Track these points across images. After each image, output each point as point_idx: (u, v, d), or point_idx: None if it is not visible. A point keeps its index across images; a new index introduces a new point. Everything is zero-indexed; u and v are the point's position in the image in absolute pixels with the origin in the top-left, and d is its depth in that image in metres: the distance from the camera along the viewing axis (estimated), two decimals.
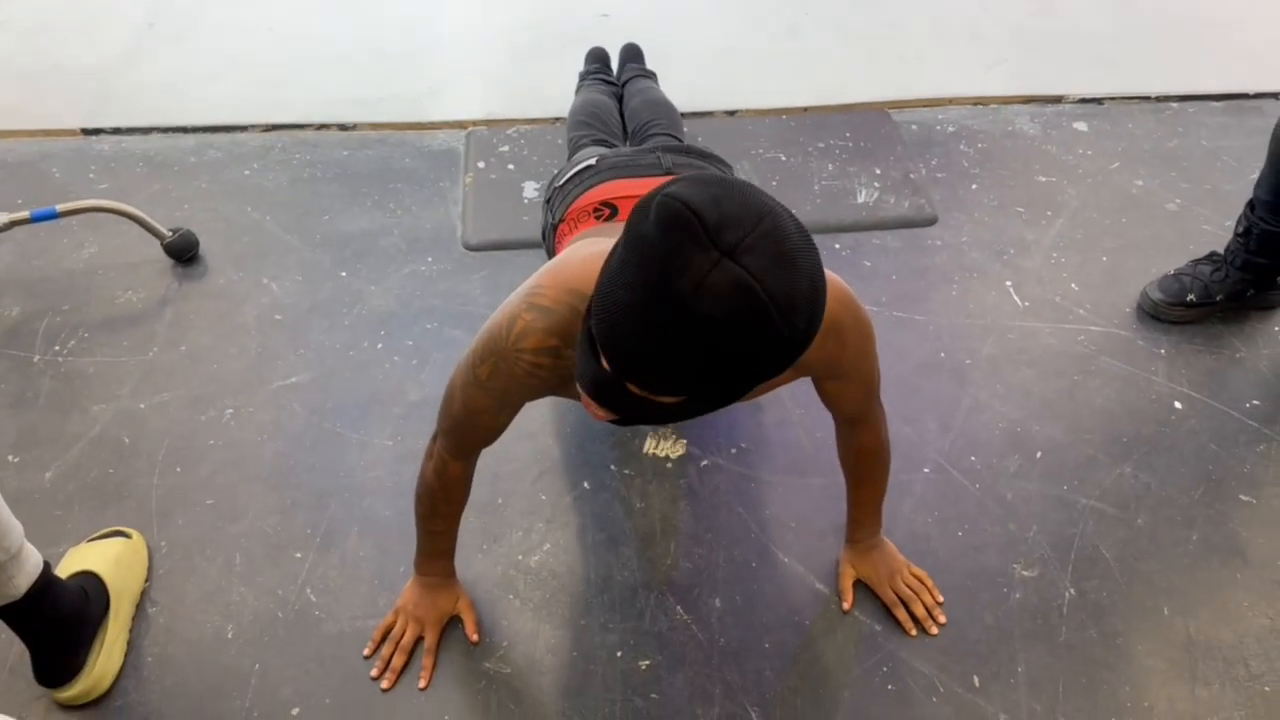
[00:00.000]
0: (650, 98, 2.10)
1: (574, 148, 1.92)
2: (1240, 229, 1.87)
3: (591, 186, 1.46)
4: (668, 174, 1.46)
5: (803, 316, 0.80)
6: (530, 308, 1.09)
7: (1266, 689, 1.40)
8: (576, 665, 1.42)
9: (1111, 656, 1.44)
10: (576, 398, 1.22)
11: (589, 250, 1.12)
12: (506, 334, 1.10)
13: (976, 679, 1.41)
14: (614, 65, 2.39)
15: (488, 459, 1.34)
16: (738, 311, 0.77)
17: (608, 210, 1.41)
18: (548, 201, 1.58)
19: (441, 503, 1.35)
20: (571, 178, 1.52)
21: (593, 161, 1.51)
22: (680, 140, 1.95)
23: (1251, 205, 1.84)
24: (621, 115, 2.12)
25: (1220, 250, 1.93)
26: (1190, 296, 1.89)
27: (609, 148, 1.84)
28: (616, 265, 0.82)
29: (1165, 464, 1.68)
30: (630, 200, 1.41)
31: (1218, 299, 1.89)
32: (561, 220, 1.48)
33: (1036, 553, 1.56)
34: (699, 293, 0.77)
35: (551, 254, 1.53)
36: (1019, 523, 1.60)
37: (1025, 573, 1.53)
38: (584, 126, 1.95)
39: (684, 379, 0.82)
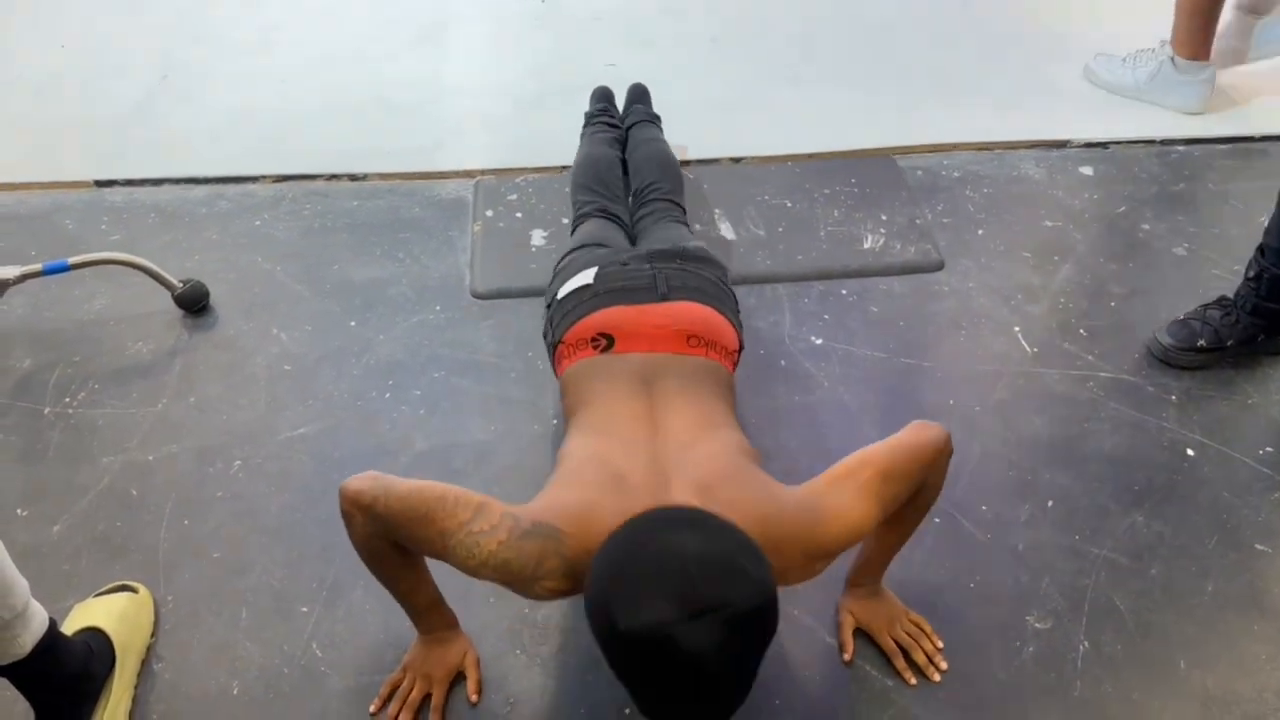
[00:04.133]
0: (653, 151, 2.12)
1: (576, 213, 1.94)
2: (1251, 274, 1.87)
3: (588, 313, 1.49)
4: (663, 299, 1.49)
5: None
6: (558, 555, 1.16)
7: None
8: None
9: (1127, 713, 1.41)
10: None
11: (607, 509, 1.15)
12: (534, 569, 1.16)
13: None
14: (620, 104, 2.41)
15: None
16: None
17: (604, 341, 1.46)
18: (548, 307, 1.61)
19: (386, 564, 1.30)
20: (569, 296, 1.54)
21: (590, 281, 1.53)
22: (680, 205, 1.97)
23: (1262, 250, 1.84)
24: (624, 163, 2.13)
25: (1230, 295, 1.92)
26: (1201, 342, 1.88)
27: (609, 218, 1.86)
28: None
29: (1178, 513, 1.67)
30: (626, 333, 1.45)
31: (1229, 344, 1.88)
32: (560, 341, 1.51)
33: (1049, 604, 1.54)
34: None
35: (554, 369, 1.56)
36: (1031, 573, 1.58)
37: (1038, 625, 1.51)
38: (586, 191, 1.97)
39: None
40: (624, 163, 2.15)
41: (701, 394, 1.39)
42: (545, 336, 1.61)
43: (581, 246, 1.71)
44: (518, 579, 1.17)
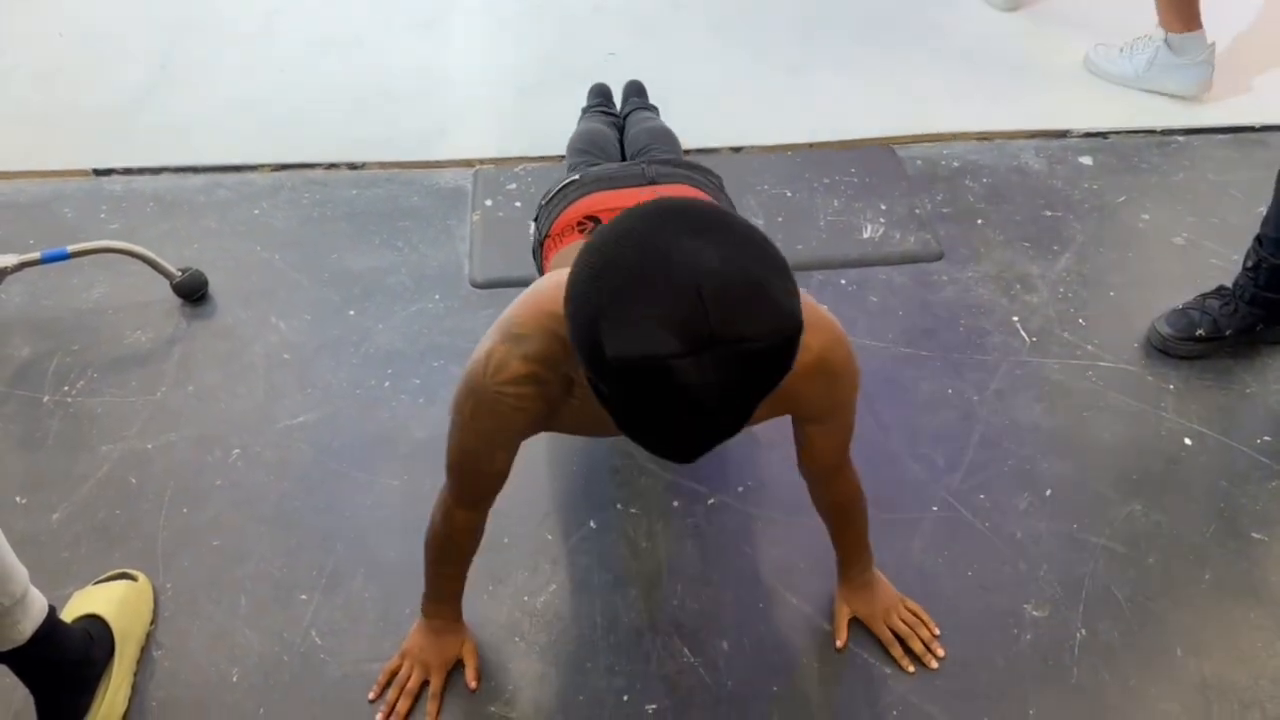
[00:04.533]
0: (650, 126, 2.11)
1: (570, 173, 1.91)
2: (1249, 264, 1.87)
3: (575, 200, 1.44)
4: (651, 184, 1.44)
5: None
6: (505, 338, 1.08)
7: None
8: (582, 710, 1.41)
9: (1124, 700, 1.42)
10: (568, 430, 1.21)
11: (562, 276, 1.11)
12: (484, 369, 1.09)
13: None
14: (617, 101, 2.41)
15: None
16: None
17: (591, 224, 1.39)
18: (535, 219, 1.57)
19: (448, 551, 1.35)
20: (557, 193, 1.50)
21: (577, 176, 1.50)
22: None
23: (1260, 240, 1.84)
24: (621, 145, 2.12)
25: (1229, 284, 1.92)
26: (1199, 331, 1.88)
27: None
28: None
29: (1176, 501, 1.67)
30: (614, 212, 1.34)
31: (1227, 334, 1.88)
32: (547, 235, 1.47)
33: (1047, 592, 1.54)
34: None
35: (541, 271, 1.52)
36: (1029, 562, 1.58)
37: (1036, 613, 1.52)
38: (581, 154, 1.95)
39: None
40: (622, 145, 2.14)
41: None
42: (533, 252, 1.55)
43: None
44: (480, 393, 1.11)
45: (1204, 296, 1.93)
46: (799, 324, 0.83)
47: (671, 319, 0.78)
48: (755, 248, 0.83)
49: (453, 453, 1.22)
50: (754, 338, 0.80)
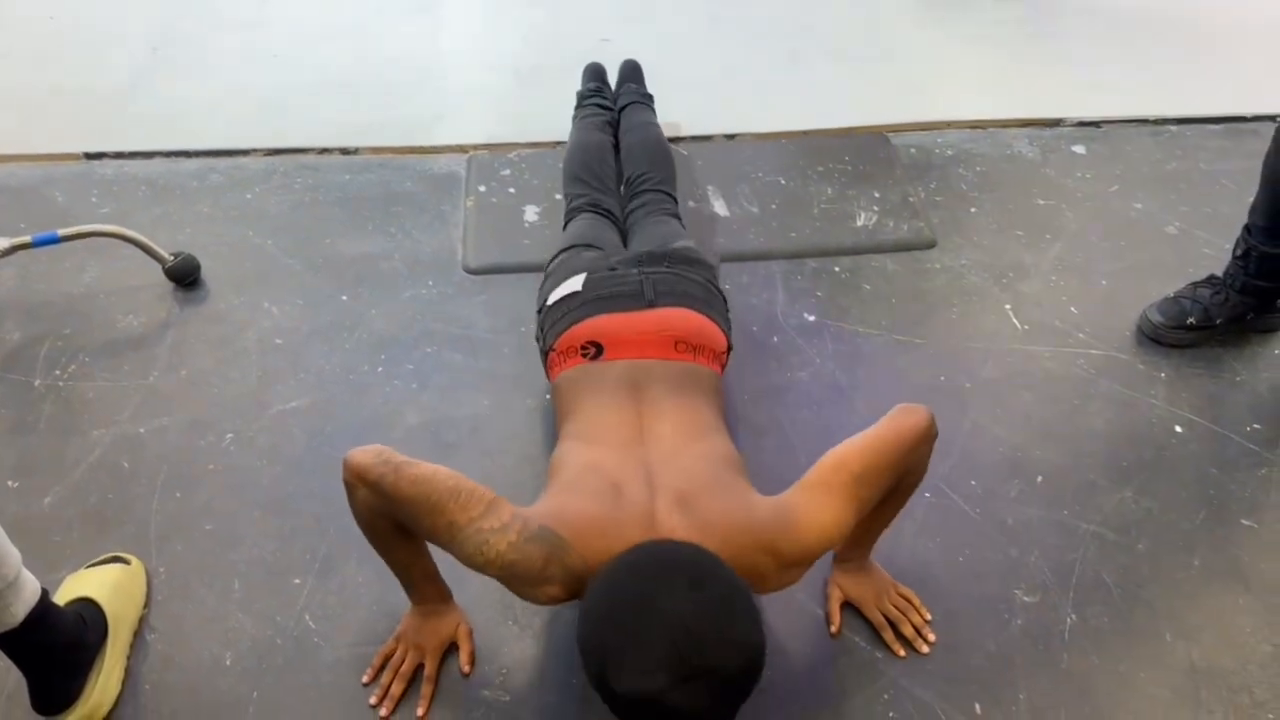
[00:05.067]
0: (646, 138, 2.10)
1: (568, 205, 1.93)
2: (1239, 252, 1.88)
3: (578, 321, 1.51)
4: (650, 306, 1.51)
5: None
6: (561, 563, 1.18)
7: (1270, 716, 1.40)
8: (576, 693, 1.41)
9: (1114, 684, 1.43)
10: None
11: (606, 522, 1.21)
12: (538, 571, 1.19)
13: (978, 706, 1.40)
14: (612, 81, 2.40)
15: (487, 484, 1.33)
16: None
17: (594, 349, 1.47)
18: (539, 313, 1.63)
19: (385, 538, 1.32)
20: (558, 303, 1.56)
21: (578, 288, 1.55)
22: (672, 195, 1.96)
23: (1248, 229, 1.85)
24: (617, 148, 2.12)
25: (1219, 273, 1.93)
26: (1190, 320, 1.89)
27: (601, 214, 1.87)
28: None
29: (1166, 488, 1.68)
30: (614, 340, 1.47)
31: (1218, 322, 1.89)
32: (551, 349, 1.53)
33: (1038, 578, 1.55)
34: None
35: (547, 374, 1.58)
36: (1020, 548, 1.59)
37: (1026, 598, 1.53)
38: (577, 183, 1.96)
39: None
40: (616, 146, 2.14)
41: (688, 399, 1.41)
42: (537, 341, 1.63)
43: (571, 247, 1.72)
44: (522, 580, 1.19)
45: (1195, 285, 1.94)
46: (761, 652, 1.07)
47: (660, 662, 1.01)
48: (724, 591, 1.07)
49: (431, 523, 1.22)
50: (727, 668, 1.03)
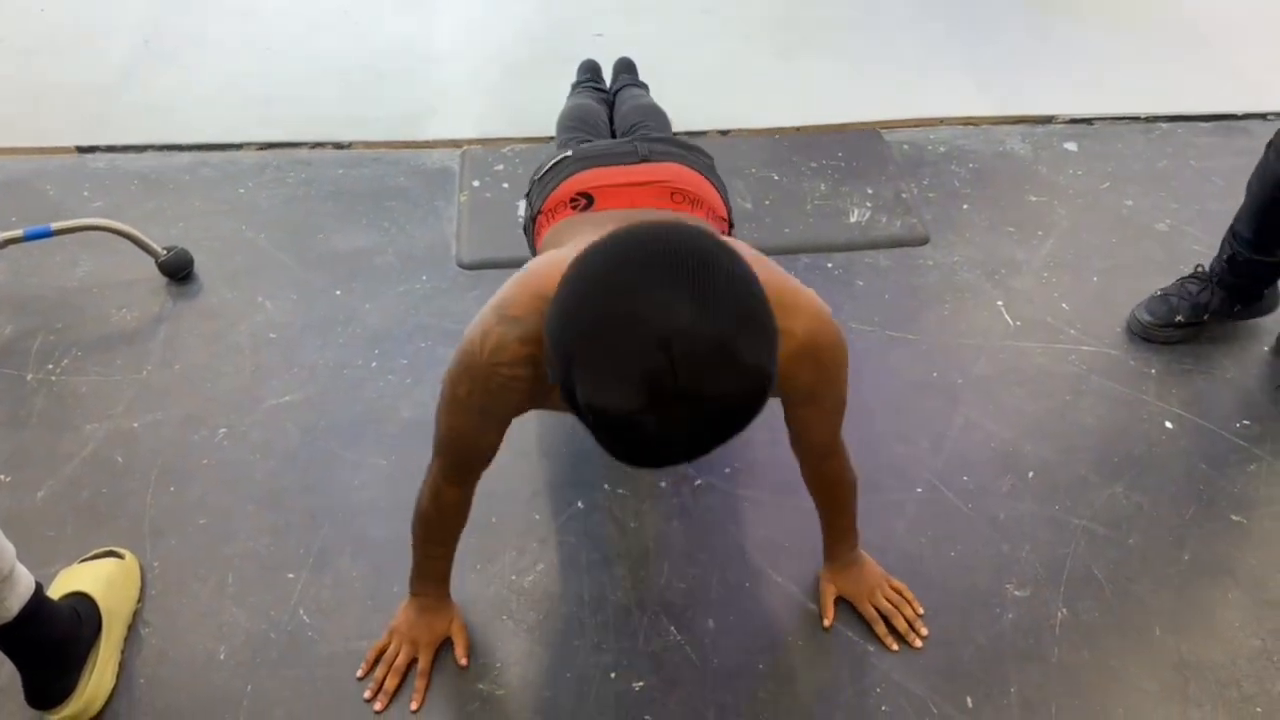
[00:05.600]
0: (640, 103, 2.10)
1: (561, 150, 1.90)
2: (1224, 255, 1.89)
3: (568, 176, 1.43)
4: (644, 161, 1.44)
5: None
6: (501, 319, 1.09)
7: (1258, 710, 1.41)
8: (570, 687, 1.42)
9: (1104, 678, 1.44)
10: (558, 409, 1.21)
11: (555, 257, 1.12)
12: (480, 349, 1.10)
13: (969, 700, 1.41)
14: (607, 79, 2.40)
15: (481, 478, 1.34)
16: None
17: (584, 200, 1.38)
18: (527, 195, 1.56)
19: (437, 528, 1.35)
20: (549, 170, 1.50)
21: (569, 152, 1.50)
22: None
23: (1234, 235, 1.86)
24: (611, 122, 2.12)
25: (1206, 264, 1.94)
26: (1179, 317, 1.90)
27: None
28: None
29: (1156, 484, 1.69)
30: (606, 189, 1.38)
31: (1205, 318, 1.91)
32: (539, 212, 1.46)
33: (1029, 573, 1.56)
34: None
35: (532, 248, 1.51)
36: (1011, 543, 1.60)
37: (1018, 593, 1.54)
38: (571, 130, 1.95)
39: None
40: (611, 123, 2.13)
41: None
42: (524, 229, 1.53)
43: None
44: (475, 372, 1.13)
45: (1182, 281, 1.95)
46: (766, 379, 0.84)
47: (639, 375, 0.80)
48: (729, 299, 0.83)
49: (444, 430, 1.23)
50: (720, 398, 0.82)
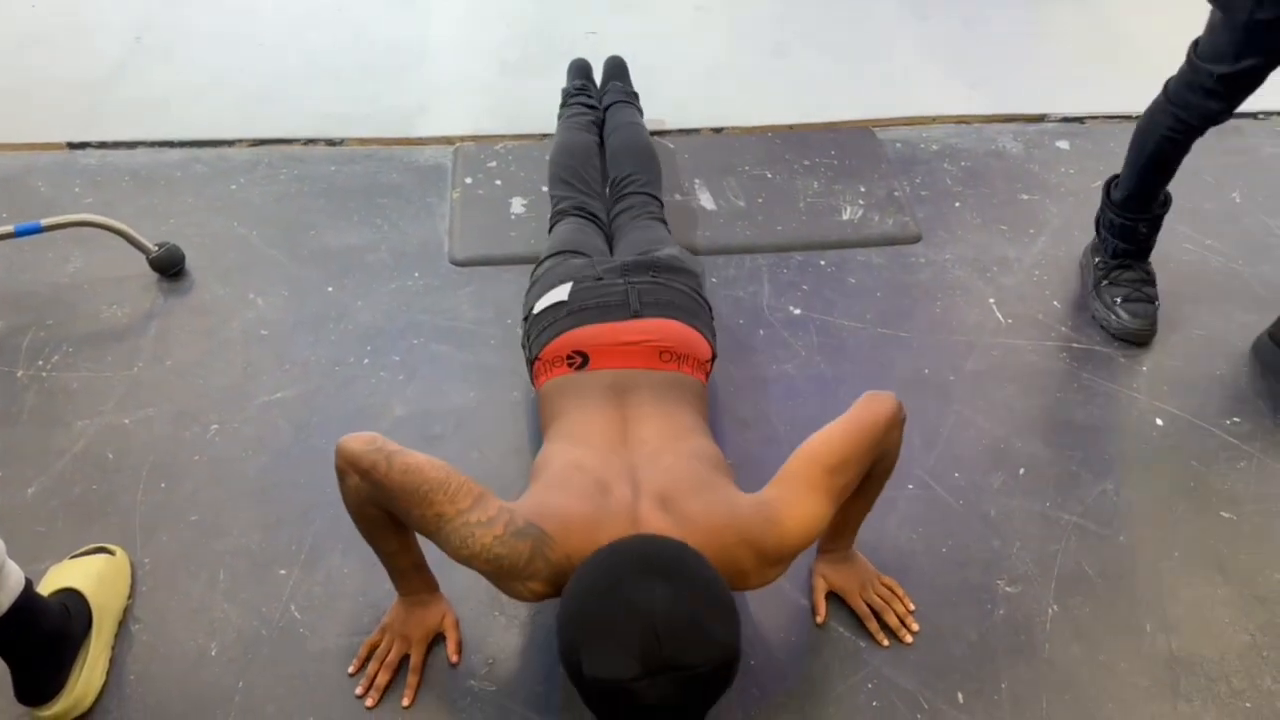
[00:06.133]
0: (631, 139, 2.11)
1: (554, 208, 1.94)
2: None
3: (563, 331, 1.52)
4: (635, 317, 1.51)
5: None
6: (543, 557, 1.19)
7: (1248, 705, 1.41)
8: (562, 682, 1.42)
9: (1095, 673, 1.44)
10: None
11: (590, 518, 1.22)
12: (523, 565, 1.19)
13: (960, 695, 1.42)
14: (598, 77, 2.40)
15: (473, 475, 1.33)
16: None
17: (579, 359, 1.48)
18: (525, 320, 1.63)
19: (375, 527, 1.31)
20: (544, 312, 1.57)
21: (564, 298, 1.55)
22: (658, 198, 1.97)
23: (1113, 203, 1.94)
24: (602, 146, 2.12)
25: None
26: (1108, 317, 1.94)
27: (586, 218, 1.87)
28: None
29: (1147, 481, 1.70)
30: (600, 348, 1.48)
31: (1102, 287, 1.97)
32: (537, 358, 1.54)
33: (1020, 569, 1.57)
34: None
35: (532, 382, 1.59)
36: (1002, 539, 1.61)
37: (1009, 589, 1.54)
38: (563, 185, 1.97)
39: None
40: (601, 144, 2.14)
41: (672, 405, 1.42)
42: (524, 349, 1.63)
43: (558, 253, 1.72)
44: (506, 574, 1.20)
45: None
46: (735, 653, 1.09)
47: (631, 651, 1.03)
48: (700, 587, 1.09)
49: (419, 514, 1.22)
50: (698, 664, 1.05)
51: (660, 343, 1.50)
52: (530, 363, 1.59)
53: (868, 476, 1.37)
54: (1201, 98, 1.68)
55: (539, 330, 1.56)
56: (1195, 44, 1.69)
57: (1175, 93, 1.74)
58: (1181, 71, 1.73)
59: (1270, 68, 1.61)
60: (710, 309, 1.66)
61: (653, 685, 1.03)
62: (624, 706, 1.05)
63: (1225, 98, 1.66)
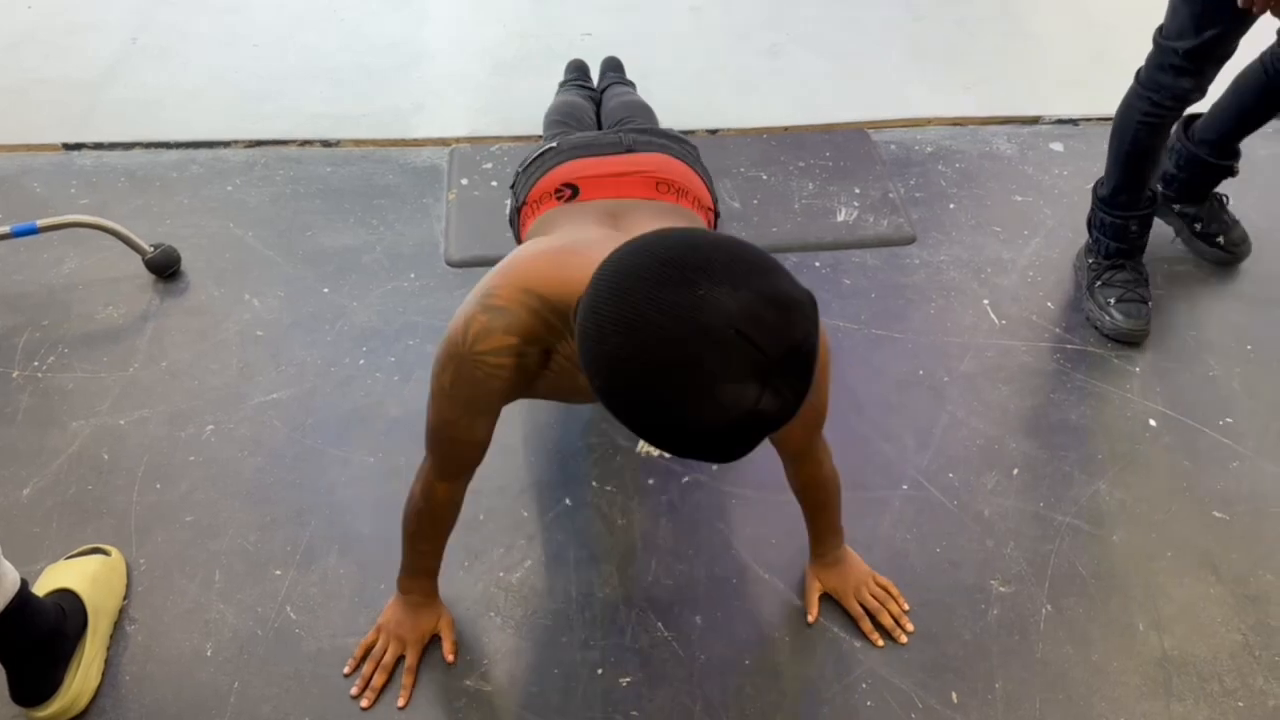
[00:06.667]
0: (627, 99, 2.11)
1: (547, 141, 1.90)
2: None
3: (553, 167, 1.44)
4: (629, 151, 1.44)
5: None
6: (485, 309, 1.10)
7: (1240, 704, 1.42)
8: (557, 683, 1.42)
9: (1088, 673, 1.45)
10: (544, 397, 1.23)
11: (537, 246, 1.14)
12: (463, 338, 1.11)
13: (955, 695, 1.42)
14: (594, 77, 2.41)
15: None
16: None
17: (569, 191, 1.39)
18: (512, 186, 1.57)
19: (428, 524, 1.35)
20: (534, 160, 1.50)
21: (555, 144, 1.50)
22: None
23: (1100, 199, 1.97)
24: (598, 118, 2.12)
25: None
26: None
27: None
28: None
29: (1140, 481, 1.70)
30: (591, 179, 1.39)
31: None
32: (524, 203, 1.46)
33: (1013, 569, 1.57)
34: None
35: (517, 238, 1.52)
36: (996, 539, 1.61)
37: (1002, 589, 1.55)
38: (558, 125, 1.95)
39: None
40: (598, 118, 2.13)
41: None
42: (510, 220, 1.53)
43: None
44: (459, 361, 1.12)
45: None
46: (813, 298, 0.88)
47: (738, 371, 0.82)
48: (746, 261, 0.85)
49: (433, 424, 1.23)
50: (800, 340, 0.84)
51: (657, 173, 1.39)
52: (516, 213, 1.46)
53: (810, 489, 1.40)
54: (1172, 77, 1.72)
55: (527, 178, 1.46)
56: (1160, 28, 1.73)
57: (1146, 77, 1.78)
58: (1150, 56, 1.78)
59: (1233, 37, 1.65)
60: (710, 175, 1.53)
61: (775, 392, 0.83)
62: (752, 435, 0.86)
63: (1194, 74, 1.70)
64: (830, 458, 1.40)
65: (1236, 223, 2.11)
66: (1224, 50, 1.66)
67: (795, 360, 0.84)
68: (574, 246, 1.12)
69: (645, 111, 2.02)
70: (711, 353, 0.81)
